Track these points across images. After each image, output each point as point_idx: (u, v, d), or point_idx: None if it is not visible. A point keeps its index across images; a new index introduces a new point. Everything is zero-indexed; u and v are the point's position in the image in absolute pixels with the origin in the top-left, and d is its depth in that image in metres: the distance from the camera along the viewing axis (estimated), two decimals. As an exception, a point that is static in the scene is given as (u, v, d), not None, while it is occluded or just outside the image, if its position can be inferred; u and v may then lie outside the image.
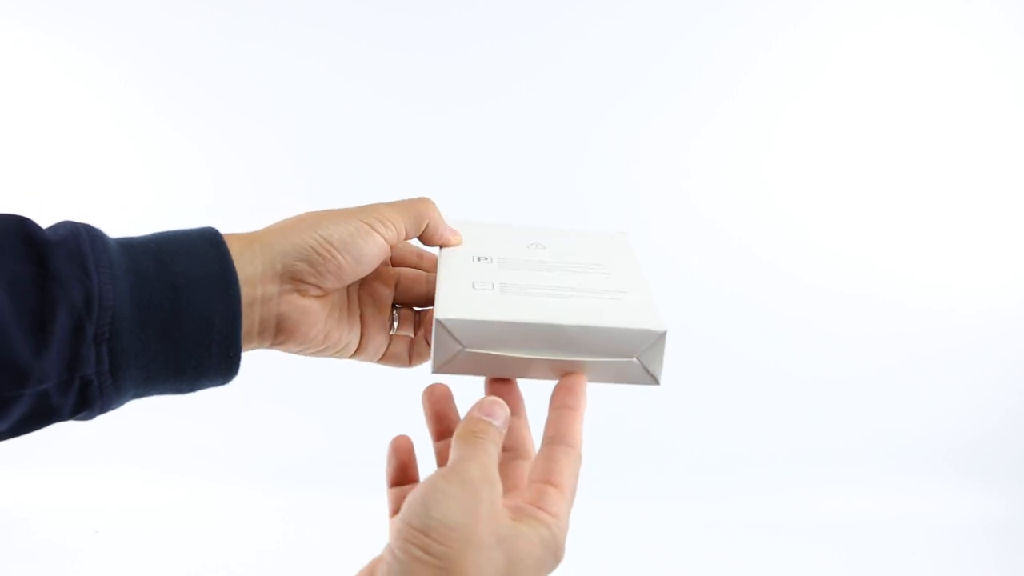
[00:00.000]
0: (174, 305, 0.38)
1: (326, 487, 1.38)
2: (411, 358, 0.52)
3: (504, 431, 0.41)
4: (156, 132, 1.44)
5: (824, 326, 1.49)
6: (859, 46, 1.44)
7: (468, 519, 0.35)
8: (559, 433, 0.42)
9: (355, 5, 1.40)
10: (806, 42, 1.44)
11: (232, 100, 1.42)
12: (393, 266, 0.52)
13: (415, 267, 0.52)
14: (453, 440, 0.39)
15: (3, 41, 1.41)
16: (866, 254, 1.49)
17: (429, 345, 0.48)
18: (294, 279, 0.42)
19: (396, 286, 0.51)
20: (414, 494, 0.36)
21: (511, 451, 0.45)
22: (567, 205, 1.39)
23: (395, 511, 0.44)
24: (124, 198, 1.47)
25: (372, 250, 0.44)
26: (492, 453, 0.38)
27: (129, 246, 0.39)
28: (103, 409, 0.39)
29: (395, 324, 0.51)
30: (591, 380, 0.44)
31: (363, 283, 0.50)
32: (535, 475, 0.40)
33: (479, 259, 0.48)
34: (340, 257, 0.43)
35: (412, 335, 0.52)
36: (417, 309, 0.52)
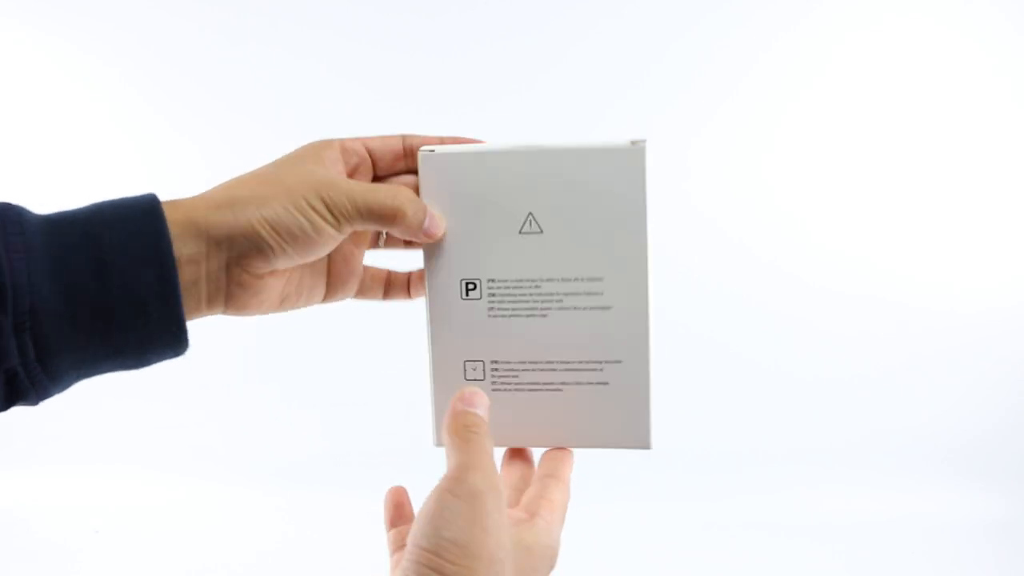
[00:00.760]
0: (102, 283, 0.35)
1: (326, 487, 1.38)
2: (386, 291, 0.50)
3: (486, 417, 0.42)
4: (156, 132, 1.44)
5: (824, 326, 1.49)
6: (859, 46, 1.44)
7: (477, 535, 0.36)
8: (550, 472, 0.45)
9: (355, 5, 1.40)
10: (806, 42, 1.44)
11: (232, 100, 1.42)
12: None
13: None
14: (445, 436, 0.40)
15: (3, 41, 1.41)
16: (866, 254, 1.49)
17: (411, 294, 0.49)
18: (240, 263, 0.39)
19: (375, 241, 0.49)
20: (422, 511, 0.37)
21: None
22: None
23: (395, 550, 0.45)
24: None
25: (327, 244, 0.41)
26: (489, 450, 0.39)
27: (55, 222, 0.36)
28: (42, 396, 0.36)
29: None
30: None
31: None
32: (529, 499, 0.43)
33: (467, 288, 0.45)
34: (290, 248, 0.39)
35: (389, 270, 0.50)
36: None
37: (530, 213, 0.44)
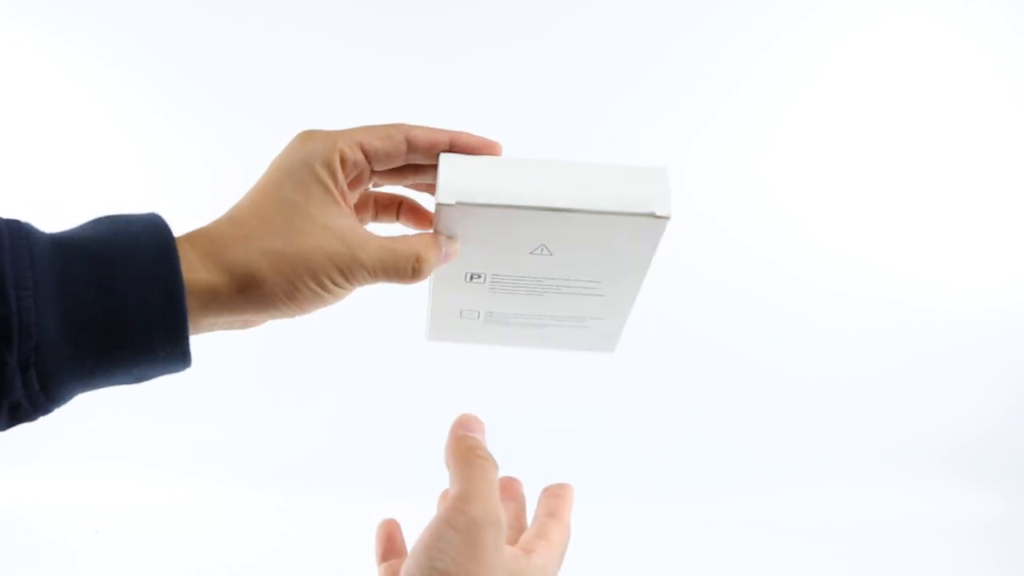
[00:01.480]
0: (110, 324, 0.34)
1: (326, 487, 1.38)
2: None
3: (485, 440, 0.42)
4: (156, 132, 1.44)
5: (824, 326, 1.49)
6: (859, 46, 1.44)
7: (471, 569, 0.35)
8: (550, 511, 0.45)
9: (355, 5, 1.40)
10: (806, 42, 1.44)
11: (232, 100, 1.42)
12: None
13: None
14: (448, 460, 0.40)
15: (3, 41, 1.41)
16: (866, 254, 1.49)
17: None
18: (257, 319, 0.40)
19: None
20: (419, 541, 0.37)
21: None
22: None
23: None
24: (124, 198, 1.46)
25: (339, 300, 0.42)
26: (492, 478, 0.39)
27: (64, 248, 0.35)
28: (41, 416, 0.36)
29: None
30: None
31: None
32: (529, 536, 0.43)
33: (472, 277, 0.47)
34: (308, 310, 0.41)
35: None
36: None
37: (543, 244, 0.45)
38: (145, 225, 0.37)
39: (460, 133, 0.45)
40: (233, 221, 0.39)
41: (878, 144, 1.47)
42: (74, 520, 1.34)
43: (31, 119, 1.43)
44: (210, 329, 0.39)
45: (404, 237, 0.42)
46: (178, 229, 0.40)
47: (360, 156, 0.42)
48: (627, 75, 1.43)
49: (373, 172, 0.45)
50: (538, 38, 1.40)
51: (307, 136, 0.42)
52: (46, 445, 1.44)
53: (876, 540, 1.34)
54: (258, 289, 0.38)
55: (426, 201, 0.49)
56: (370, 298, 1.45)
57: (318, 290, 0.39)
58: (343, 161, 0.41)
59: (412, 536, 0.42)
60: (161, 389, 1.57)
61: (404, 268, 0.41)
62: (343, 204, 0.41)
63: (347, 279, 0.40)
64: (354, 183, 0.44)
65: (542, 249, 0.45)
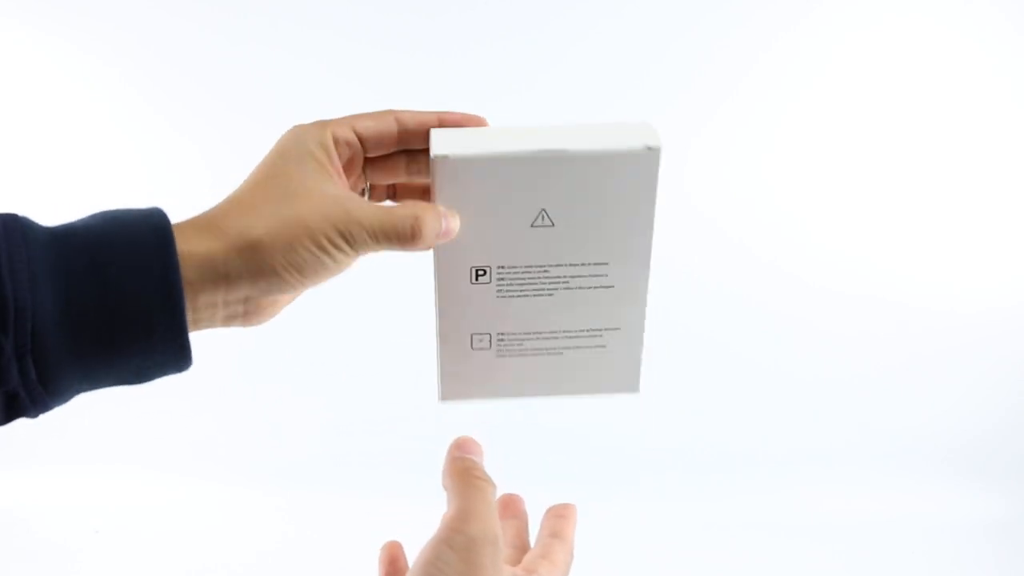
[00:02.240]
0: (109, 314, 0.34)
1: (326, 487, 1.38)
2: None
3: (482, 463, 0.43)
4: (156, 132, 1.44)
5: (824, 326, 1.49)
6: (859, 46, 1.44)
7: None
8: (554, 532, 0.45)
9: (355, 5, 1.39)
10: (806, 42, 1.44)
11: (232, 100, 1.42)
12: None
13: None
14: (446, 479, 0.41)
15: (3, 41, 1.41)
16: (866, 254, 1.49)
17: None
18: (258, 297, 0.39)
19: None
20: (417, 561, 0.37)
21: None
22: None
23: None
24: (125, 198, 1.46)
25: (344, 270, 0.41)
26: (490, 498, 0.40)
27: (61, 239, 0.35)
28: (41, 411, 0.36)
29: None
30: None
31: None
32: (531, 557, 0.43)
33: (477, 275, 0.46)
34: (309, 281, 0.39)
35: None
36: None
37: (543, 209, 0.45)
38: (142, 214, 0.37)
39: (447, 112, 0.45)
40: (231, 200, 0.40)
41: (878, 144, 1.47)
42: (74, 520, 1.34)
43: (31, 119, 1.43)
44: (211, 313, 0.38)
45: (402, 202, 0.44)
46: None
47: (352, 136, 0.43)
48: (627, 75, 1.43)
49: (367, 161, 0.45)
50: (538, 38, 1.40)
51: (299, 125, 0.43)
52: (46, 445, 1.44)
53: (876, 540, 1.34)
54: (256, 252, 0.37)
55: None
56: (370, 298, 1.46)
57: (317, 252, 0.38)
58: (336, 141, 0.42)
59: (412, 553, 0.42)
60: (161, 389, 1.56)
61: (403, 229, 0.40)
62: (339, 178, 0.42)
63: (346, 241, 0.39)
64: (348, 167, 0.44)
65: (543, 216, 0.45)
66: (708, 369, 1.45)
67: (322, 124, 0.43)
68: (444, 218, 0.43)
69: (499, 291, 0.47)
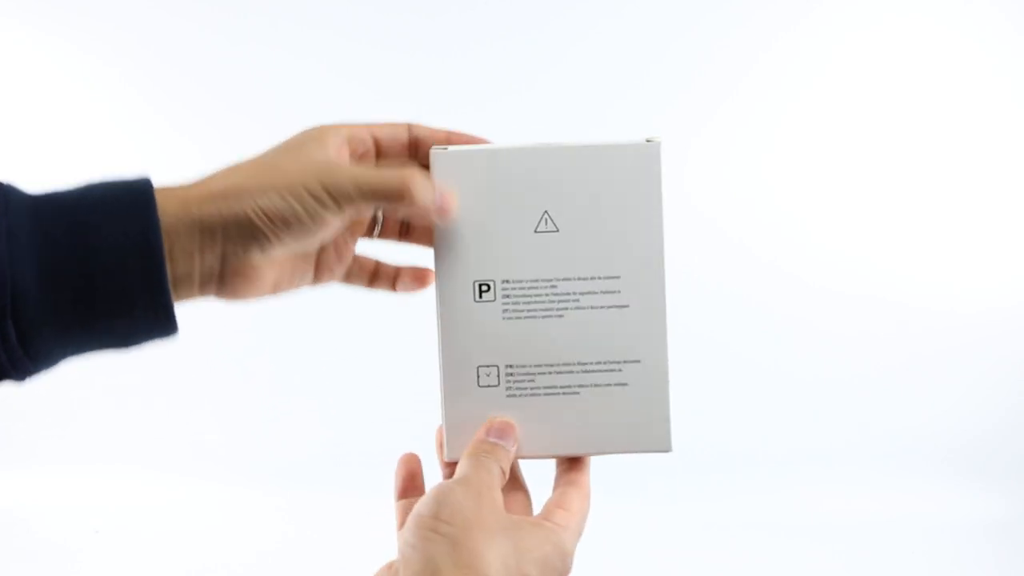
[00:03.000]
0: (88, 274, 0.34)
1: (326, 487, 1.38)
2: (371, 280, 0.48)
3: (512, 452, 0.43)
4: (156, 132, 1.44)
5: (824, 326, 1.49)
6: (859, 46, 1.44)
7: (473, 507, 0.38)
8: (568, 480, 0.44)
9: (355, 5, 1.40)
10: (806, 42, 1.44)
11: (232, 100, 1.42)
12: None
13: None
14: (462, 457, 0.42)
15: (3, 41, 1.41)
16: (866, 254, 1.49)
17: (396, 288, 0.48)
18: (235, 252, 0.38)
19: (371, 230, 0.46)
20: (424, 496, 0.39)
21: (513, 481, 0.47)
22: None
23: (402, 523, 0.44)
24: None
25: (325, 231, 0.39)
26: (494, 471, 0.41)
27: (42, 204, 0.35)
28: (24, 376, 0.35)
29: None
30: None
31: None
32: (546, 505, 0.43)
33: (481, 290, 0.44)
34: (285, 237, 0.38)
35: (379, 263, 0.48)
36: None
37: (545, 211, 0.43)
38: (126, 180, 0.37)
39: (456, 132, 0.45)
40: (222, 168, 0.40)
41: (878, 144, 1.47)
42: (74, 520, 1.34)
43: (31, 118, 1.43)
44: (188, 267, 0.37)
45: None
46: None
47: (366, 135, 0.43)
48: (626, 75, 1.43)
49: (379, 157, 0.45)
50: (538, 38, 1.40)
51: (320, 124, 0.43)
52: (46, 445, 1.44)
53: (876, 540, 1.34)
54: (228, 196, 0.37)
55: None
56: (370, 298, 1.45)
57: (291, 200, 0.37)
58: (352, 137, 0.42)
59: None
60: (161, 389, 1.58)
61: (392, 186, 0.39)
62: (343, 152, 0.42)
63: (329, 194, 0.38)
64: (363, 158, 0.44)
65: (546, 220, 0.43)
66: (708, 369, 1.45)
67: (340, 124, 0.42)
68: (439, 191, 0.41)
69: (505, 311, 0.44)
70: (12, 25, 1.40)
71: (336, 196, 0.38)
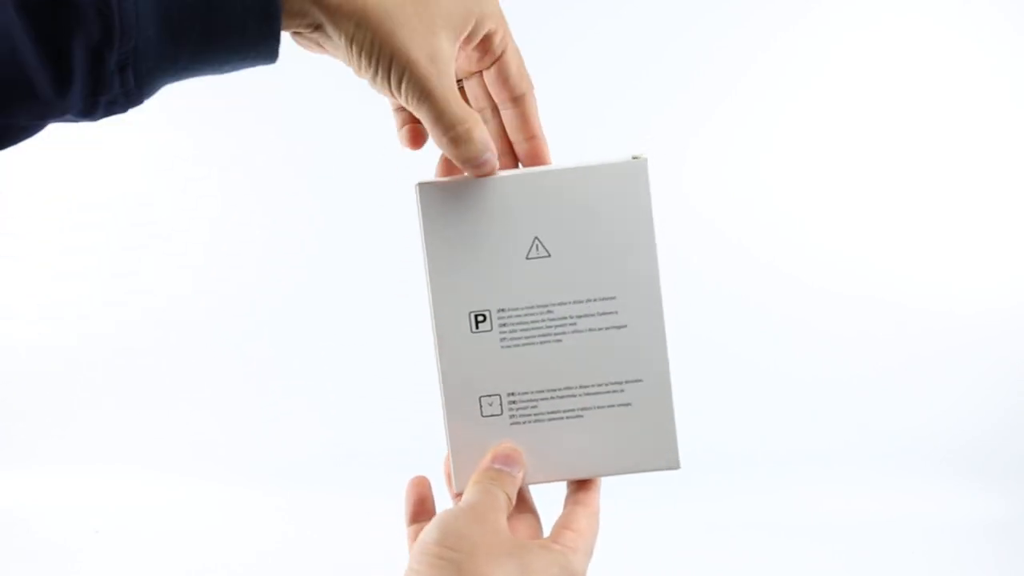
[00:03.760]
0: (208, 19, 0.35)
1: (326, 487, 1.38)
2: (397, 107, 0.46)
3: (518, 478, 0.43)
4: (156, 131, 1.44)
5: (824, 326, 1.49)
6: (858, 46, 1.44)
7: (477, 532, 0.39)
8: (577, 499, 0.44)
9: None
10: (805, 42, 1.44)
11: (232, 99, 1.42)
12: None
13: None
14: (467, 485, 0.43)
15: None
16: (866, 254, 1.49)
17: None
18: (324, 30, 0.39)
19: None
20: (428, 523, 0.40)
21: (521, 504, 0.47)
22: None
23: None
24: (123, 198, 1.46)
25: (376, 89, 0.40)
26: (499, 497, 0.41)
27: None
28: (132, 107, 0.37)
29: None
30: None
31: None
32: (555, 527, 0.43)
33: (477, 321, 0.44)
34: (347, 61, 0.40)
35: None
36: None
37: (536, 237, 0.43)
38: None
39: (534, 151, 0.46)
40: None
41: (877, 144, 1.47)
42: (74, 520, 1.34)
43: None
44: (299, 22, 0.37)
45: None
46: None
47: (496, 45, 0.44)
48: (626, 75, 1.43)
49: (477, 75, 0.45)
50: (537, 38, 1.40)
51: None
52: (46, 445, 1.44)
53: (876, 540, 1.34)
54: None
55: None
56: (370, 298, 1.46)
57: (374, 64, 0.38)
58: (489, 35, 0.43)
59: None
60: (161, 389, 1.57)
61: (454, 120, 0.40)
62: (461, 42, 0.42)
63: (401, 80, 0.39)
64: (467, 41, 0.44)
65: (537, 246, 0.43)
66: (708, 369, 1.45)
67: (497, 16, 0.43)
68: (490, 149, 0.42)
69: (503, 340, 0.44)
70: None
71: (398, 89, 0.39)
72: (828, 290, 1.48)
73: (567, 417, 0.44)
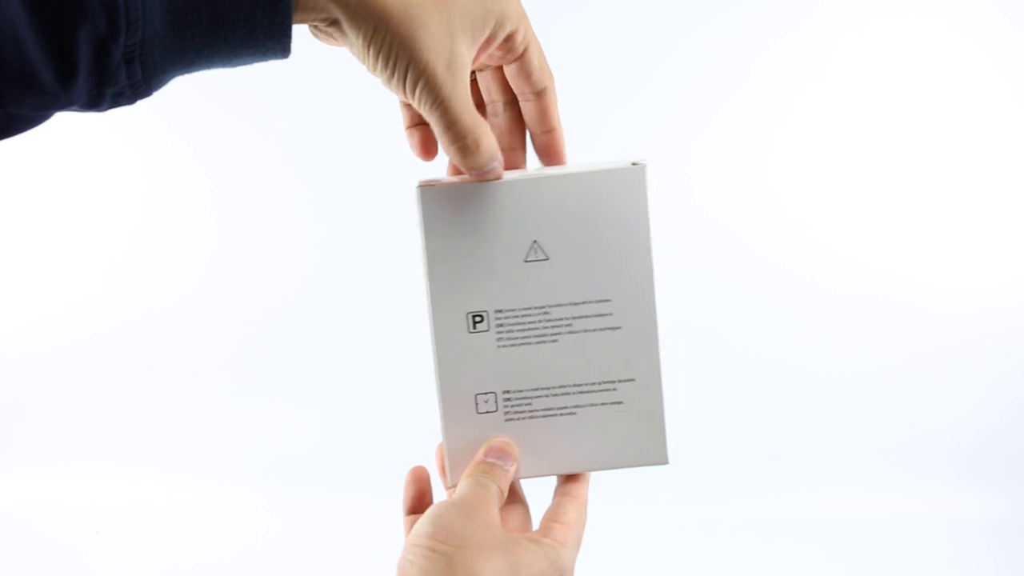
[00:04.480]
0: (213, 13, 0.35)
1: (324, 487, 1.38)
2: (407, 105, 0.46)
3: (511, 472, 0.44)
4: (156, 132, 1.44)
5: (824, 325, 1.49)
6: (860, 47, 1.44)
7: (468, 526, 0.39)
8: (565, 491, 0.45)
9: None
10: (807, 43, 1.44)
11: (232, 100, 1.42)
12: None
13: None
14: (460, 479, 0.43)
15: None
16: (866, 254, 1.49)
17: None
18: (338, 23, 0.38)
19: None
20: (420, 518, 0.40)
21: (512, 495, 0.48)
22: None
23: None
24: (123, 199, 1.46)
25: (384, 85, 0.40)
26: (491, 490, 0.42)
27: None
28: (140, 99, 0.37)
29: None
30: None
31: None
32: (543, 519, 0.44)
33: (475, 321, 0.45)
34: (360, 57, 0.40)
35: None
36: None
37: (534, 241, 0.44)
38: None
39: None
40: None
41: (879, 144, 1.47)
42: (74, 520, 1.34)
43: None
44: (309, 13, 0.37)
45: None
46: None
47: (517, 46, 0.44)
48: (629, 75, 1.43)
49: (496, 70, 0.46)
50: (542, 40, 1.40)
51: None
52: (46, 445, 1.44)
53: (876, 540, 1.34)
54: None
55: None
56: (370, 298, 1.46)
57: (391, 63, 0.38)
58: (510, 36, 0.43)
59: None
60: (160, 389, 1.57)
61: (463, 129, 0.40)
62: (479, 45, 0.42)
63: (416, 83, 0.39)
64: (488, 43, 0.43)
65: (535, 249, 0.44)
66: (708, 369, 1.45)
67: (519, 17, 0.44)
68: (496, 159, 0.42)
69: (499, 339, 0.45)
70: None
71: (411, 90, 0.39)
72: (829, 289, 1.48)
73: (560, 414, 0.46)
